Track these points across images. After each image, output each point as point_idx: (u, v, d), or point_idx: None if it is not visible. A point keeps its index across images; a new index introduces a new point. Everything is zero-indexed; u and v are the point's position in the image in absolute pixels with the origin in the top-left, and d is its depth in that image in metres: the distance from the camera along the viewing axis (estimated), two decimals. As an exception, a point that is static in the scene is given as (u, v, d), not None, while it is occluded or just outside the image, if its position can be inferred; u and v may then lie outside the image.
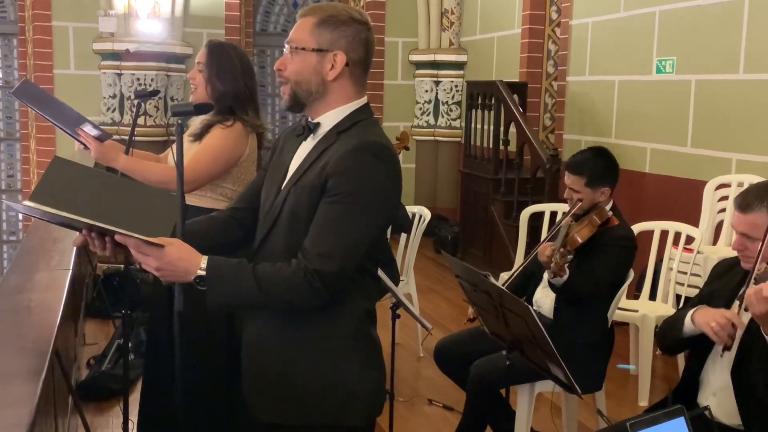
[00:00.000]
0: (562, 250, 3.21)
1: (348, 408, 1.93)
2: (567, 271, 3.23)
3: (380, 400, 2.03)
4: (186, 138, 2.98)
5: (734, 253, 2.61)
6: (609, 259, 3.32)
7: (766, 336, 2.33)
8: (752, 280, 2.36)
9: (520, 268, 3.64)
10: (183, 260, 1.78)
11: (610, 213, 3.39)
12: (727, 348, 2.41)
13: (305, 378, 1.91)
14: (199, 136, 2.96)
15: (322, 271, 1.79)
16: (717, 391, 2.54)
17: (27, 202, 1.73)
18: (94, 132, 2.95)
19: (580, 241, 3.28)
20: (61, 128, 3.04)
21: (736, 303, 2.48)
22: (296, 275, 1.79)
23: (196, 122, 3.04)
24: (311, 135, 1.96)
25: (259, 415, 1.99)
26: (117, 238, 1.75)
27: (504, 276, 4.23)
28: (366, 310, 1.96)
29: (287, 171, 1.99)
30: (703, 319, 2.44)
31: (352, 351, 1.93)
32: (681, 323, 2.57)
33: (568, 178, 3.48)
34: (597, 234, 3.32)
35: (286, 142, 2.08)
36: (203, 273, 1.77)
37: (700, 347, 2.61)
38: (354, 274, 1.88)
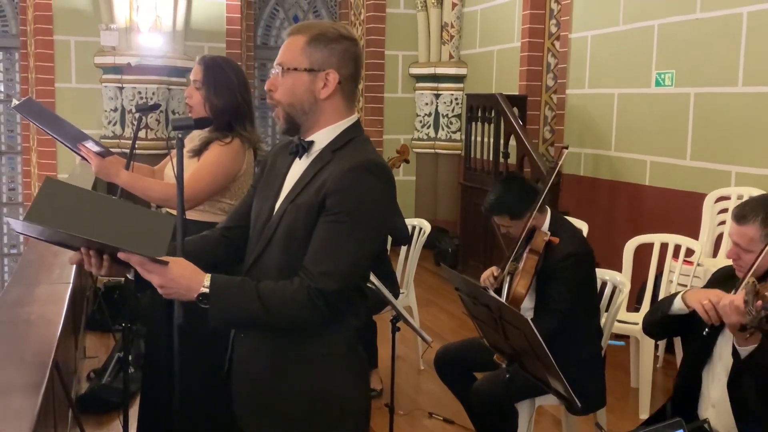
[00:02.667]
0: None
1: (338, 425, 1.95)
2: None
3: (368, 417, 2.05)
4: (185, 154, 2.98)
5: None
6: (561, 285, 3.24)
7: (736, 346, 2.38)
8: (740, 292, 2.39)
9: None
10: (185, 278, 1.78)
11: (547, 234, 3.31)
12: (713, 324, 2.45)
13: (297, 395, 1.92)
14: (197, 152, 2.96)
15: (324, 290, 1.79)
16: (716, 404, 2.55)
17: (25, 221, 1.72)
18: (95, 148, 2.95)
19: (523, 292, 3.22)
20: (62, 142, 3.04)
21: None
22: (300, 294, 1.80)
23: (195, 138, 3.04)
24: (305, 154, 1.96)
25: (248, 431, 2.00)
26: (120, 255, 1.74)
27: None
28: (356, 328, 1.98)
29: (281, 189, 1.99)
30: (696, 297, 2.50)
31: (344, 368, 1.95)
32: (670, 302, 2.62)
33: (494, 220, 3.47)
34: (543, 261, 3.25)
35: (276, 158, 2.08)
36: (206, 290, 1.77)
37: (682, 333, 2.64)
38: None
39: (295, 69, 1.90)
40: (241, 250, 2.08)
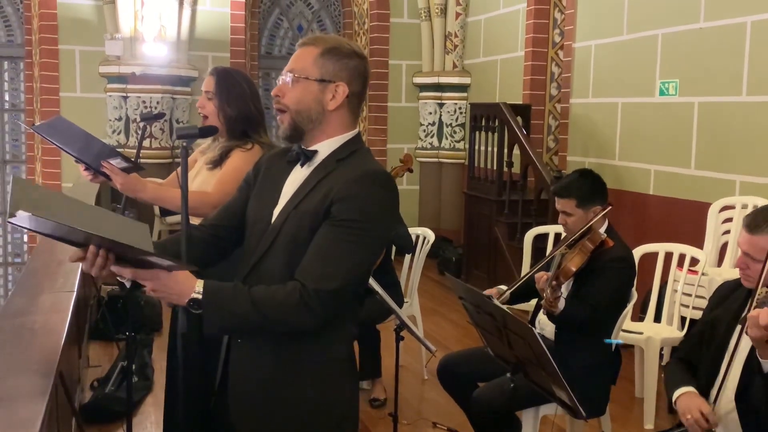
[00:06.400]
0: (554, 283, 3.15)
1: (340, 430, 1.97)
2: (560, 305, 3.19)
3: (357, 422, 2.08)
4: (204, 166, 3.01)
5: (738, 274, 2.62)
6: (605, 283, 3.29)
7: (760, 359, 2.36)
8: (753, 304, 2.37)
9: (517, 284, 3.63)
10: (178, 283, 1.79)
11: (604, 235, 3.36)
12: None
13: (299, 402, 1.92)
14: (218, 162, 2.97)
15: (320, 291, 1.80)
16: (722, 416, 2.53)
17: (25, 212, 1.59)
18: (122, 164, 2.90)
19: (573, 269, 3.25)
20: (83, 161, 2.98)
21: (738, 328, 2.48)
22: (292, 296, 1.80)
23: (215, 149, 3.05)
24: (307, 162, 1.98)
25: None
26: (131, 273, 1.75)
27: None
28: (353, 335, 2.01)
29: (278, 196, 2.00)
30: (682, 408, 2.56)
31: (344, 374, 1.97)
32: (671, 391, 2.66)
33: (558, 203, 3.48)
34: (592, 258, 3.29)
35: (271, 165, 2.10)
36: (198, 296, 1.78)
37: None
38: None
39: (306, 78, 1.93)
40: (226, 251, 2.12)
